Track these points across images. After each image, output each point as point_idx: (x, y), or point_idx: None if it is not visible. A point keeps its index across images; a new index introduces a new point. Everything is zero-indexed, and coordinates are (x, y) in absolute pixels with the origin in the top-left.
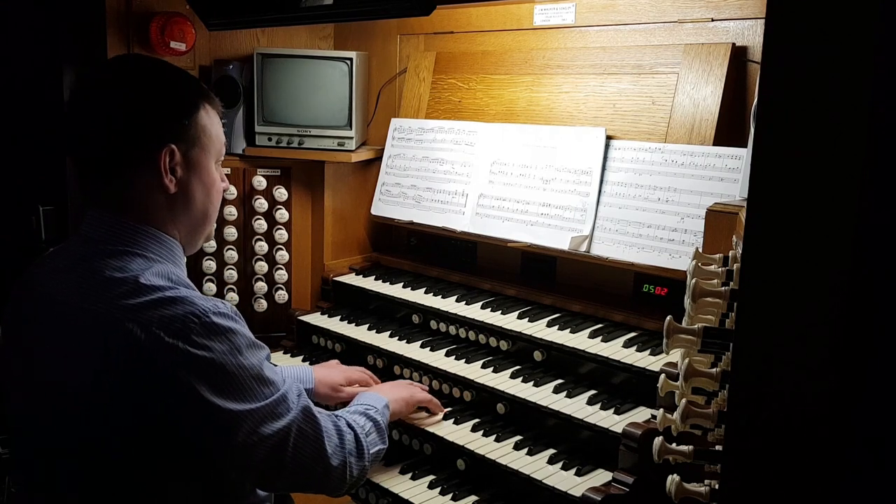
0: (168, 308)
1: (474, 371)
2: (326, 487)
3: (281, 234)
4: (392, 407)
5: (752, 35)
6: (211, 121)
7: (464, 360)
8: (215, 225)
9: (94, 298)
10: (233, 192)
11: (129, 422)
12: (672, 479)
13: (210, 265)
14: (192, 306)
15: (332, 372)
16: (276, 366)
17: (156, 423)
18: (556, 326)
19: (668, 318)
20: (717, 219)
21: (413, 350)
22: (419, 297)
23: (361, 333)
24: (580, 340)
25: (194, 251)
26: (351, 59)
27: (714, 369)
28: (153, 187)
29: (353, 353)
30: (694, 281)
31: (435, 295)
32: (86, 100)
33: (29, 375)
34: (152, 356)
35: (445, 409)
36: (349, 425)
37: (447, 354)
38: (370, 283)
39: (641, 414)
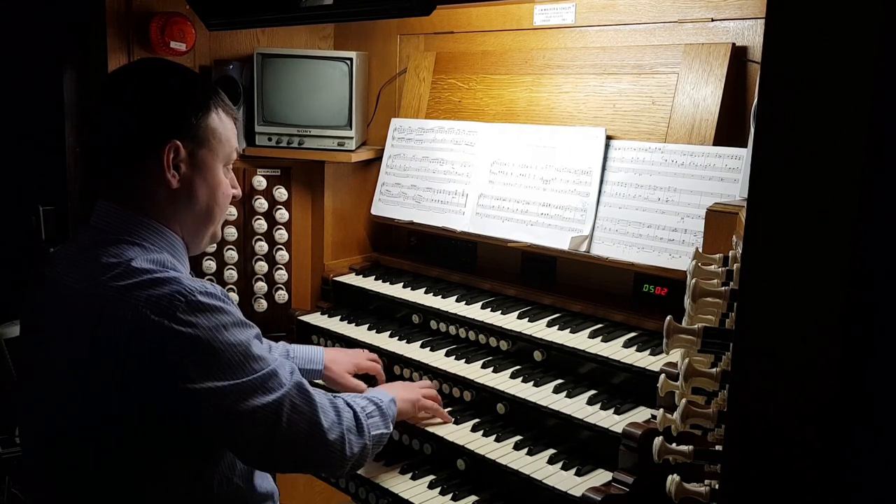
0: (155, 288)
1: (474, 371)
2: (326, 463)
3: (281, 234)
4: (399, 405)
5: (752, 35)
6: (223, 125)
7: (464, 360)
8: (220, 228)
9: (88, 281)
10: None
11: (120, 401)
12: (672, 479)
13: (210, 265)
14: (178, 285)
15: (342, 356)
16: (269, 346)
17: (146, 401)
18: (556, 326)
19: (668, 318)
20: (717, 219)
21: (413, 350)
22: (419, 297)
23: (361, 333)
24: (580, 340)
25: (198, 251)
26: (351, 59)
27: (714, 369)
28: (157, 181)
29: None
30: (694, 281)
31: (435, 295)
32: (102, 92)
33: (35, 359)
34: (139, 334)
35: (445, 410)
36: (348, 404)
37: (447, 354)
38: (370, 283)
39: (641, 414)
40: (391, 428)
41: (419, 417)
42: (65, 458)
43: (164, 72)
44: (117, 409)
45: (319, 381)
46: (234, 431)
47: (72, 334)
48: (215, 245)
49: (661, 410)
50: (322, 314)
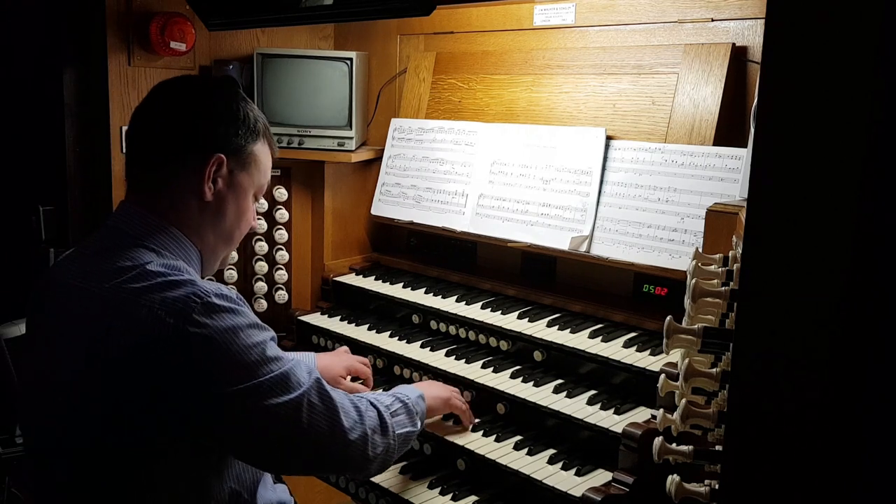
0: (171, 290)
1: (474, 371)
2: (348, 464)
3: (281, 234)
4: (428, 401)
5: (752, 35)
6: (265, 156)
7: (464, 360)
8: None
9: (102, 283)
10: None
11: (130, 405)
12: (672, 479)
13: None
14: (193, 287)
15: (334, 361)
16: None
17: (158, 404)
18: (556, 326)
19: (668, 318)
20: (717, 219)
21: (413, 350)
22: (419, 297)
23: (361, 333)
24: (580, 340)
25: (211, 272)
26: (351, 59)
27: (714, 369)
28: (191, 191)
29: (353, 353)
30: (694, 281)
31: (435, 295)
32: (165, 91)
33: (43, 361)
34: (154, 337)
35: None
36: (371, 403)
37: (447, 354)
38: (370, 283)
39: (641, 414)
40: (419, 426)
41: (445, 425)
42: (69, 460)
43: (228, 91)
44: (127, 413)
45: None
46: (252, 433)
47: (84, 336)
48: None
49: (661, 410)
50: (322, 314)
